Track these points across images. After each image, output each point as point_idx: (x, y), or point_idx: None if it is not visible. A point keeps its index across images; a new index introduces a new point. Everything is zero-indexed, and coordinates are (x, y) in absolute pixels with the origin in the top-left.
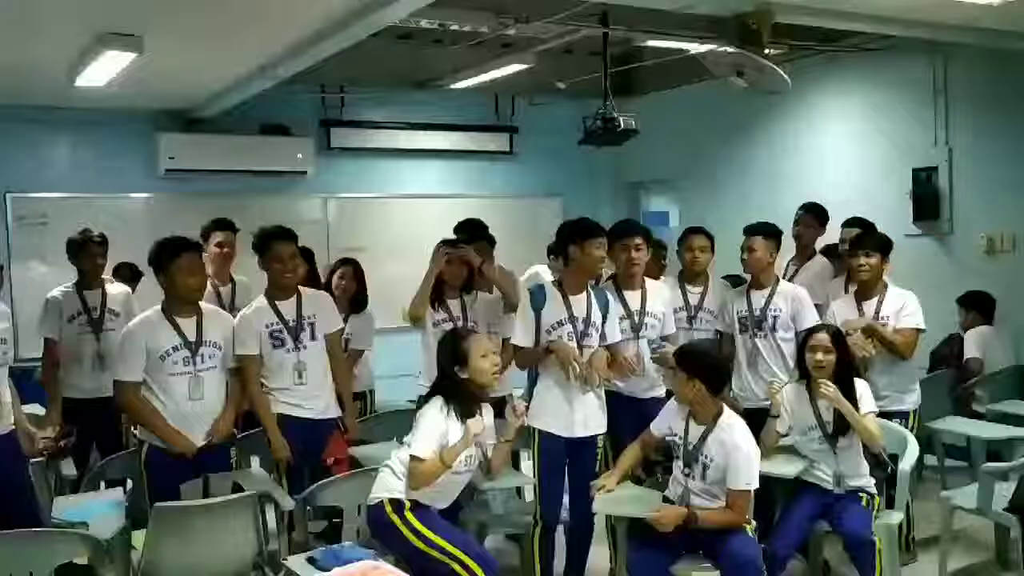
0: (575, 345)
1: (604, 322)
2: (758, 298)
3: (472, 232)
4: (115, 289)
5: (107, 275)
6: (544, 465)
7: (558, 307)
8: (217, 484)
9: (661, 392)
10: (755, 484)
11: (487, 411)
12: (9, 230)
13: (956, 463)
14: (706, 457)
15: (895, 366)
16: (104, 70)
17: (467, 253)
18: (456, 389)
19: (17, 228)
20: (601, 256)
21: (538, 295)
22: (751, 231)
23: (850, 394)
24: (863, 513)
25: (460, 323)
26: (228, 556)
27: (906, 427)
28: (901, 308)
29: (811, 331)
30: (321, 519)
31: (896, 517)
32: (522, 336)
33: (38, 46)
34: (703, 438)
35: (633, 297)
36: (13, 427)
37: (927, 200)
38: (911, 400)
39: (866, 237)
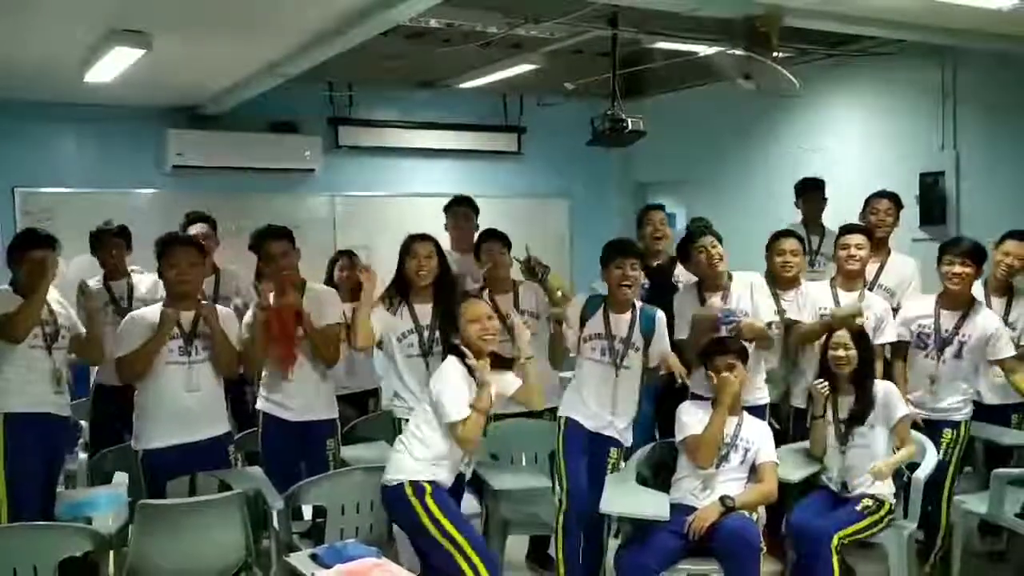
0: (608, 361)
1: (647, 345)
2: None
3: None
4: (144, 279)
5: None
6: (565, 447)
7: (598, 321)
8: (204, 482)
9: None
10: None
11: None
12: (16, 225)
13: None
14: (746, 441)
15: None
16: (113, 66)
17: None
18: (459, 351)
19: (24, 223)
20: (620, 274)
21: (592, 302)
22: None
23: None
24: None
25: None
26: (216, 554)
27: (957, 438)
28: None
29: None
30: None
31: (908, 527)
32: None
33: (48, 42)
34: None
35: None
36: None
37: (934, 204)
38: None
39: (959, 242)
